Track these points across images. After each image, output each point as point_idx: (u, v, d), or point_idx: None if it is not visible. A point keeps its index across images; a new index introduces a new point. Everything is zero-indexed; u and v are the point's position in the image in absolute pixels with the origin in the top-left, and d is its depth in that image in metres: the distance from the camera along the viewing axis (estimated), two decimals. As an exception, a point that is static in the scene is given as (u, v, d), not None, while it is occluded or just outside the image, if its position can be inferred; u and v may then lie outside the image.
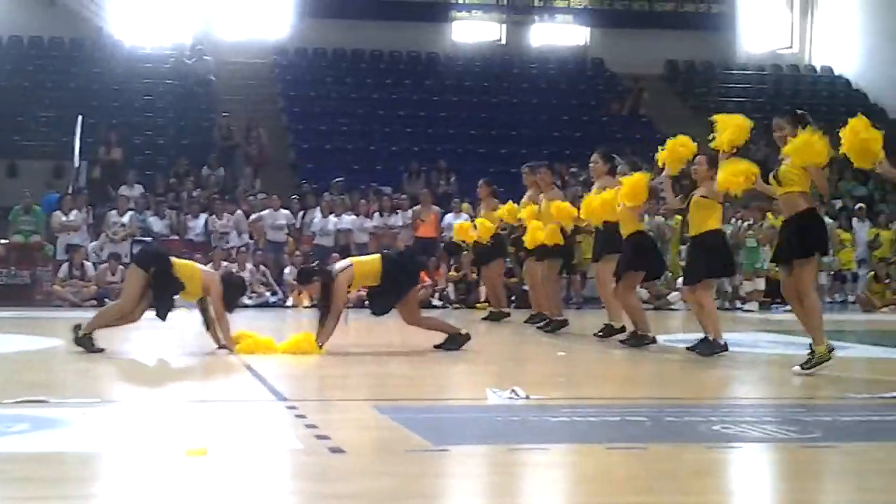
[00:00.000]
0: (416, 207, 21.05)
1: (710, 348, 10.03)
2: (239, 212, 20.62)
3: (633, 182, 10.93)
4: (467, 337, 10.58)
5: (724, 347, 10.05)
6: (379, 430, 6.00)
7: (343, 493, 4.43)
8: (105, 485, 4.70)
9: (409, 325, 10.66)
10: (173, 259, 10.30)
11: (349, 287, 10.21)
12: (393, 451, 5.32)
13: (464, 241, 16.88)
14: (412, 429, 5.83)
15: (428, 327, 10.89)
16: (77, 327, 9.99)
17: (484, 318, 15.36)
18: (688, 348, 10.28)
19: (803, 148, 8.70)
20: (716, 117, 10.10)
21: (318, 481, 4.68)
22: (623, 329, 11.45)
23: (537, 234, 13.23)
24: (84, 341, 9.88)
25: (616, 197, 11.18)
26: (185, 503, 4.28)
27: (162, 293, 10.05)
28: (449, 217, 20.86)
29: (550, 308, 13.36)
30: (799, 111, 8.99)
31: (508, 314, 15.28)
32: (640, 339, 11.03)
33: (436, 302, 19.20)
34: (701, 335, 10.23)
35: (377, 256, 10.68)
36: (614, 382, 9.08)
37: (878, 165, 8.25)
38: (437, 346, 10.44)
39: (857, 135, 8.27)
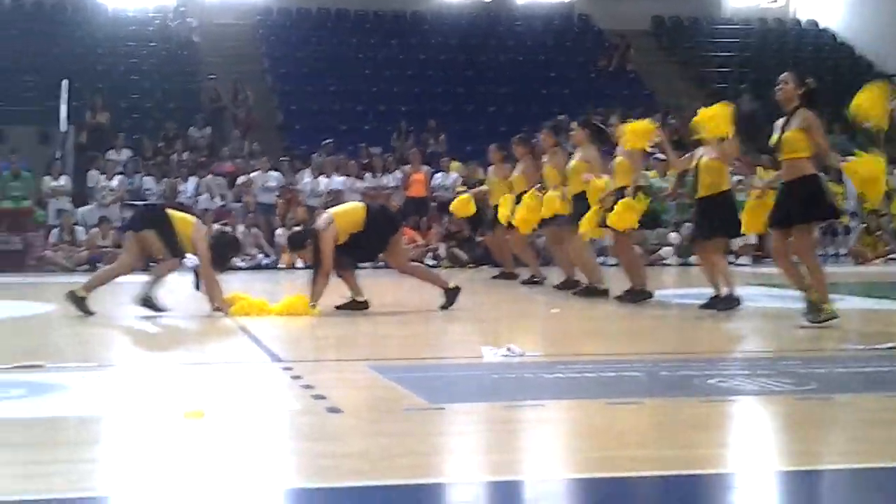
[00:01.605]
0: (406, 167, 21.01)
1: (728, 303, 10.06)
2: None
3: (637, 126, 10.90)
4: (457, 290, 10.53)
5: (739, 301, 10.10)
6: (375, 389, 6.01)
7: (342, 452, 4.43)
8: (104, 448, 4.70)
9: (400, 280, 10.62)
10: (169, 212, 10.29)
11: (337, 240, 10.14)
12: (390, 410, 5.33)
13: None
14: (408, 387, 5.84)
15: (416, 275, 10.90)
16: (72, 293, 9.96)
17: (495, 277, 15.20)
18: (702, 306, 10.24)
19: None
20: (698, 117, 10.20)
21: (316, 441, 4.68)
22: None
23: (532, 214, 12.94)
24: (78, 301, 9.84)
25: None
26: (184, 465, 4.28)
27: (174, 248, 10.04)
28: (438, 176, 20.84)
29: (586, 273, 12.42)
30: (808, 80, 8.90)
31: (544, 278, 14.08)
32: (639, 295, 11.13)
33: (428, 261, 19.19)
34: (699, 290, 10.24)
35: (359, 204, 10.68)
36: (609, 339, 9.11)
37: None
38: (441, 307, 10.37)
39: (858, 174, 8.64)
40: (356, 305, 10.35)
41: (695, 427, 5.00)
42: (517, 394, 5.88)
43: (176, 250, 10.06)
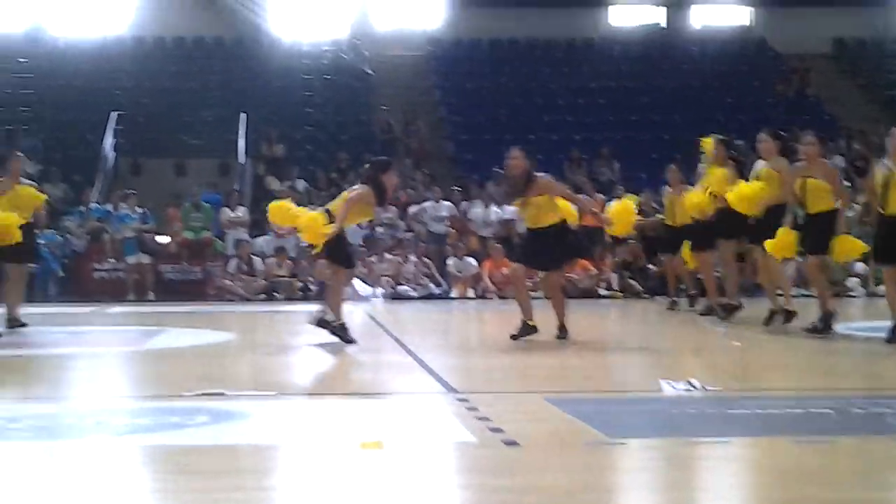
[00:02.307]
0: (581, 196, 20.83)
1: None
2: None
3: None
4: (533, 329, 10.23)
5: None
6: (553, 422, 5.88)
7: (520, 486, 4.33)
8: (282, 477, 4.71)
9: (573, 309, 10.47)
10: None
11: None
12: (569, 444, 5.21)
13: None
14: (587, 421, 5.71)
15: (521, 298, 10.51)
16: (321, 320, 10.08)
17: (702, 314, 13.73)
18: (887, 340, 9.79)
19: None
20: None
21: (494, 475, 4.60)
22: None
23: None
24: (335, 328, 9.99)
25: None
26: (361, 496, 4.24)
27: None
28: (612, 205, 20.59)
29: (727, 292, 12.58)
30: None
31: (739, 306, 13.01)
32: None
33: (602, 291, 19.00)
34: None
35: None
36: (793, 372, 8.76)
37: None
38: (512, 336, 10.18)
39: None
40: (527, 329, 10.26)
41: (891, 468, 4.73)
42: (699, 429, 5.69)
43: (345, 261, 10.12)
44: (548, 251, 10.27)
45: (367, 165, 10.61)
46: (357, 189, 10.17)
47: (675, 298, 14.86)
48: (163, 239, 19.81)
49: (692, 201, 12.78)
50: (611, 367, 9.13)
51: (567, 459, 4.90)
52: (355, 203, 9.97)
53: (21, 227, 11.39)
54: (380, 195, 10.14)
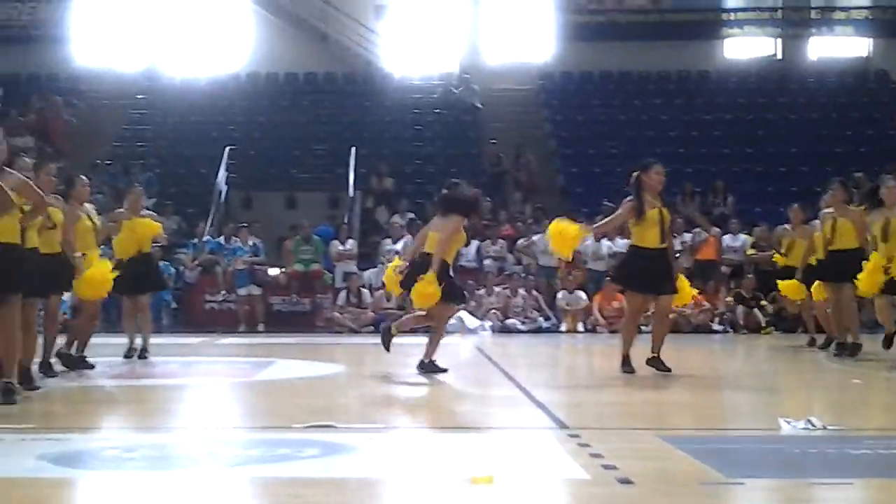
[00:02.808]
0: (696, 230, 20.56)
1: None
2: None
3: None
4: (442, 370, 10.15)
5: None
6: (667, 460, 5.72)
7: (636, 527, 4.20)
8: (392, 512, 4.64)
9: (686, 344, 10.29)
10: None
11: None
12: (684, 484, 5.05)
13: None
14: (702, 460, 5.54)
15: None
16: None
17: (836, 354, 12.78)
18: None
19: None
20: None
21: (608, 514, 4.47)
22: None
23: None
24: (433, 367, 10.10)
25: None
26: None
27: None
28: (726, 239, 20.26)
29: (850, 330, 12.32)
30: None
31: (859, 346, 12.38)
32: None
33: (716, 326, 18.68)
34: None
35: None
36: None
37: None
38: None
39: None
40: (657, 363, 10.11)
41: None
42: (821, 470, 5.49)
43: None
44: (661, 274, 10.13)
45: (445, 192, 10.55)
46: (449, 222, 10.14)
47: (814, 336, 14.41)
48: (273, 271, 20.02)
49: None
50: (726, 404, 8.90)
51: (682, 499, 4.75)
52: (454, 234, 10.00)
53: (141, 256, 12.01)
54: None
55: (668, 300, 10.36)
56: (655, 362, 10.16)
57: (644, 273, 10.16)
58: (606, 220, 11.08)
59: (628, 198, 10.40)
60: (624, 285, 11.00)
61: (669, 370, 10.07)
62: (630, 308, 10.60)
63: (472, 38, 29.78)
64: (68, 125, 26.60)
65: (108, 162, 24.48)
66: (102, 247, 11.43)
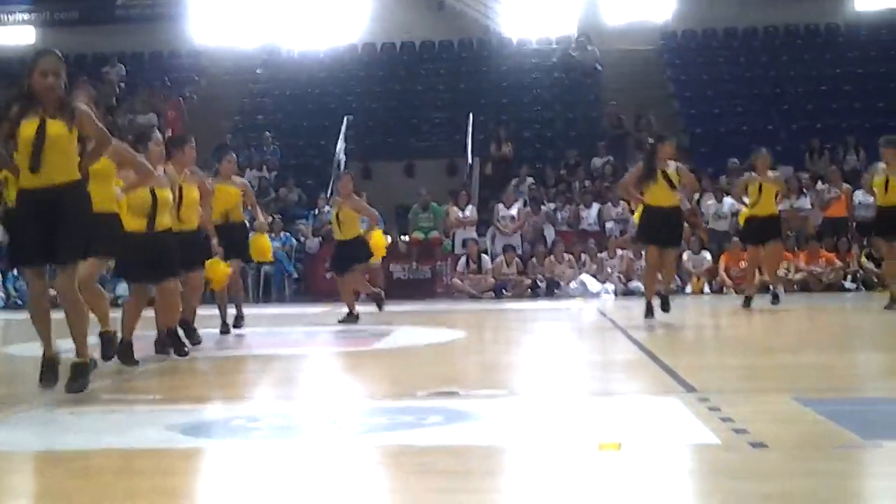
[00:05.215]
0: (822, 186, 20.01)
1: None
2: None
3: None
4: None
5: None
6: (802, 423, 5.51)
7: (770, 492, 4.02)
8: (519, 479, 4.54)
9: (816, 305, 9.98)
10: None
11: None
12: (820, 447, 4.84)
13: None
14: (839, 422, 5.31)
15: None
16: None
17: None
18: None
19: None
20: None
21: (741, 479, 4.29)
22: None
23: None
24: None
25: None
26: (602, 499, 4.03)
27: None
28: (858, 195, 19.68)
29: None
30: None
31: None
32: None
33: (848, 284, 18.19)
34: None
35: None
36: None
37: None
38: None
39: None
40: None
41: None
42: (969, 433, 5.21)
43: None
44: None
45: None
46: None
47: None
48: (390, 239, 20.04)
49: None
50: (860, 364, 8.60)
51: (817, 464, 4.54)
52: None
53: (225, 225, 11.27)
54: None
55: (674, 252, 12.22)
56: (663, 300, 11.82)
57: (655, 228, 11.60)
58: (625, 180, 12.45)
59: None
60: (640, 240, 12.66)
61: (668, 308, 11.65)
62: (648, 260, 12.09)
63: (591, -1, 29.40)
64: (189, 103, 27.01)
65: (230, 136, 24.83)
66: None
